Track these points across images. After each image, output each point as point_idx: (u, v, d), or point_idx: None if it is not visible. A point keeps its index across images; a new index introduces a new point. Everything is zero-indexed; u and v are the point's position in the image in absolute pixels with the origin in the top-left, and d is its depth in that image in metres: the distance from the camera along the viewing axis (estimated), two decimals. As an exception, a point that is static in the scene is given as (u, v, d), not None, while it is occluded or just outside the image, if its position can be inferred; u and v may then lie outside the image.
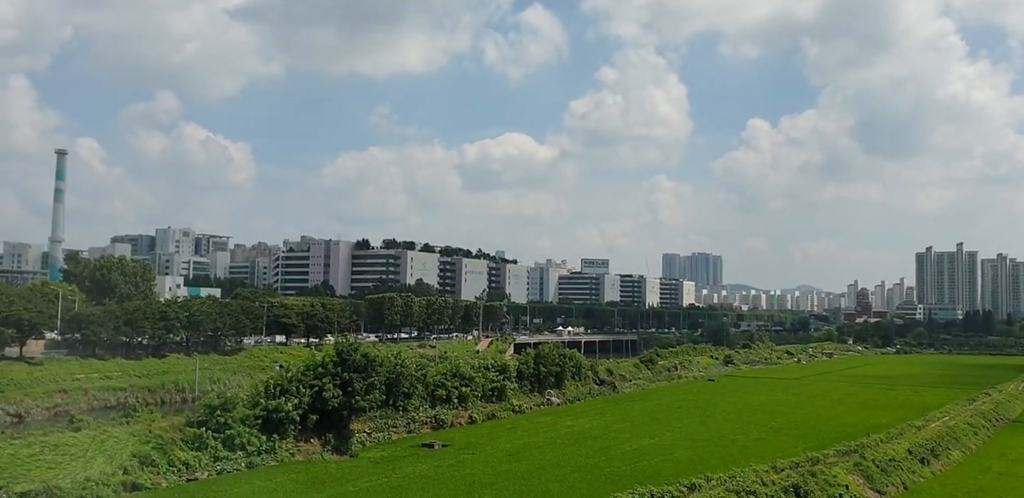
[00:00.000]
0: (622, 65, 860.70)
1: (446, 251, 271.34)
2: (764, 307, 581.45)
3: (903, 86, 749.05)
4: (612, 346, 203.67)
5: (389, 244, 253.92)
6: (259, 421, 44.79)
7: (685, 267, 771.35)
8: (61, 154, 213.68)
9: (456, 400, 61.84)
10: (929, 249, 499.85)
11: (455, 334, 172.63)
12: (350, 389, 49.39)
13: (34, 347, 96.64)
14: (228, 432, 43.05)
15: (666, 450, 49.34)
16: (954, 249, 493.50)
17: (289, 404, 45.81)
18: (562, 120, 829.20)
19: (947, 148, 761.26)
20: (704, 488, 33.60)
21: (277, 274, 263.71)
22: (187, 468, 40.02)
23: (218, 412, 43.82)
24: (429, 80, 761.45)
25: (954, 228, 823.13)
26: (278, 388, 47.57)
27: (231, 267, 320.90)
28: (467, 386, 63.25)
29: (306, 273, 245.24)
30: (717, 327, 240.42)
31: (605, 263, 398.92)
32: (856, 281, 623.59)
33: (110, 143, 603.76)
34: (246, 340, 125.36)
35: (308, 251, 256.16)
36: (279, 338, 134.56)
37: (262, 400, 46.06)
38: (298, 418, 46.32)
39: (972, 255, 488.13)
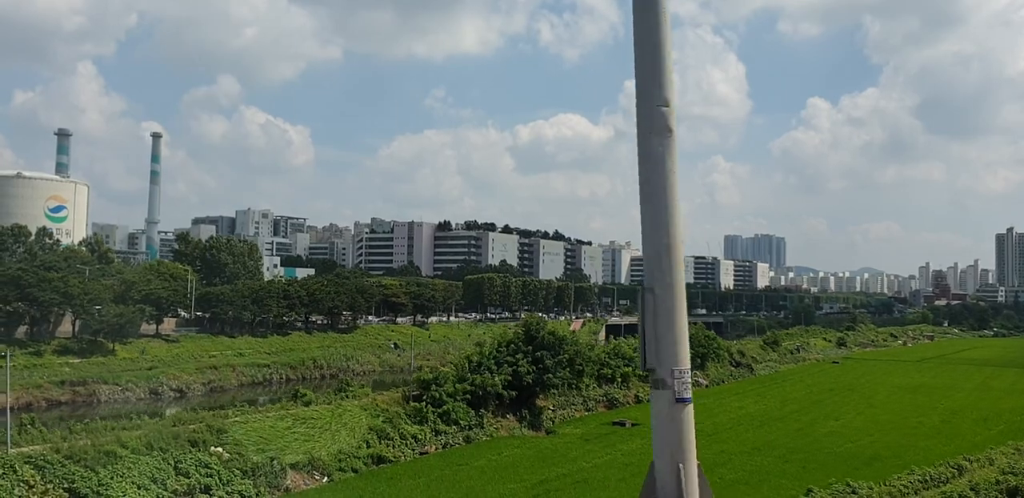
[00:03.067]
0: (679, 44, 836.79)
1: (524, 233, 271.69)
2: (832, 289, 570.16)
3: (969, 63, 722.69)
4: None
5: (470, 226, 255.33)
6: (467, 396, 45.48)
7: (748, 249, 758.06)
8: (156, 137, 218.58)
9: (619, 379, 62.05)
10: (1010, 230, 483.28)
11: (552, 314, 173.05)
12: (540, 366, 49.87)
13: (166, 325, 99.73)
14: (444, 407, 43.84)
15: (863, 432, 48.78)
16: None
17: (497, 379, 46.44)
18: (617, 100, 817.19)
19: (1016, 127, 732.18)
20: (969, 470, 33.14)
21: (360, 255, 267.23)
22: (416, 441, 40.90)
23: (433, 387, 44.62)
24: (484, 62, 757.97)
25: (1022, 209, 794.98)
26: (479, 364, 48.20)
27: (310, 248, 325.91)
28: (628, 365, 63.35)
29: (390, 254, 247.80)
30: (802, 309, 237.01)
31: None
32: (928, 263, 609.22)
33: (173, 127, 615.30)
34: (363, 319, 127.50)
35: (392, 232, 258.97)
36: (371, 317, 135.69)
37: (468, 375, 46.68)
38: (503, 394, 47.00)
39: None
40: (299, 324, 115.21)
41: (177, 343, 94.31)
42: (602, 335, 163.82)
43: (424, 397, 44.38)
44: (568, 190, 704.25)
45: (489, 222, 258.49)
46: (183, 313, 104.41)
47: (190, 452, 31.46)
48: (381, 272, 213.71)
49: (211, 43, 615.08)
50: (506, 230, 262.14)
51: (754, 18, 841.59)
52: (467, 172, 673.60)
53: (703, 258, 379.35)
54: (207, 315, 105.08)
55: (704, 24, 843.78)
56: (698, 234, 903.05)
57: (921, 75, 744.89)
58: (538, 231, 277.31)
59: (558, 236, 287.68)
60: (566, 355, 51.61)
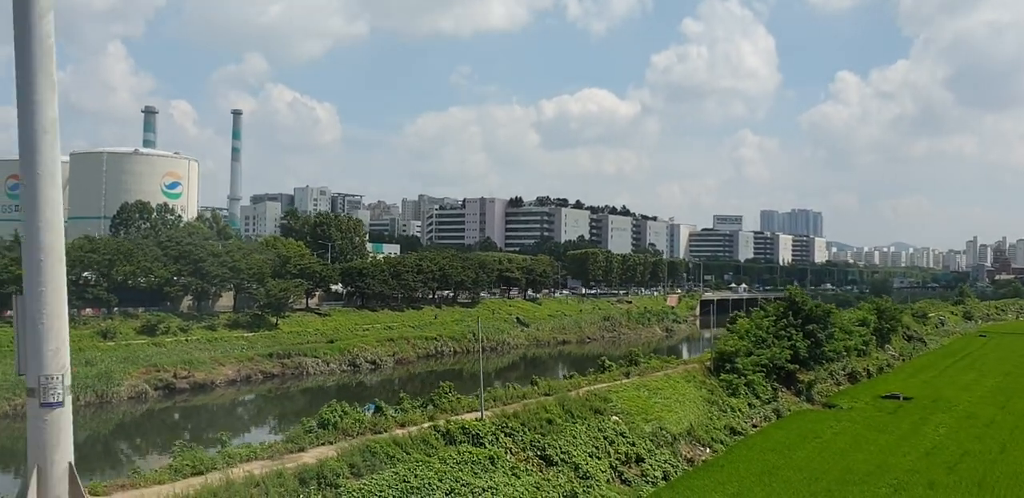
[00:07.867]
0: (707, 17, 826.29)
1: (592, 208, 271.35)
2: (878, 263, 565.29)
3: (1003, 33, 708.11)
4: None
5: (542, 201, 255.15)
6: (761, 369, 45.24)
7: (784, 223, 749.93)
8: (236, 114, 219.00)
9: (844, 351, 61.52)
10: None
11: (648, 290, 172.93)
12: (813, 339, 49.56)
13: (310, 299, 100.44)
14: (747, 379, 43.64)
15: None
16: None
17: (786, 354, 46.20)
18: (644, 75, 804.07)
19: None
20: None
21: (431, 231, 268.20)
22: (741, 414, 40.74)
23: (736, 359, 44.38)
24: (510, 38, 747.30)
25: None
26: (763, 339, 47.92)
27: (370, 225, 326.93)
28: (850, 339, 62.79)
29: (461, 230, 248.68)
30: (881, 283, 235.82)
31: (738, 219, 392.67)
32: (976, 238, 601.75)
33: (201, 105, 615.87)
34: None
35: (463, 208, 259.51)
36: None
37: (753, 349, 46.41)
38: (786, 367, 46.81)
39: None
40: (428, 298, 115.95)
41: (330, 317, 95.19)
42: (697, 308, 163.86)
43: (727, 369, 44.17)
44: (594, 166, 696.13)
45: (561, 197, 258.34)
46: (335, 287, 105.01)
47: (602, 420, 31.49)
48: (455, 248, 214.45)
49: (237, 21, 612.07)
50: (576, 205, 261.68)
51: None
52: (492, 148, 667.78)
53: (761, 234, 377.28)
54: (347, 289, 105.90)
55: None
56: (726, 209, 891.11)
57: (954, 46, 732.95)
58: (606, 206, 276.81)
59: (624, 211, 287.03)
60: (836, 328, 51.22)
